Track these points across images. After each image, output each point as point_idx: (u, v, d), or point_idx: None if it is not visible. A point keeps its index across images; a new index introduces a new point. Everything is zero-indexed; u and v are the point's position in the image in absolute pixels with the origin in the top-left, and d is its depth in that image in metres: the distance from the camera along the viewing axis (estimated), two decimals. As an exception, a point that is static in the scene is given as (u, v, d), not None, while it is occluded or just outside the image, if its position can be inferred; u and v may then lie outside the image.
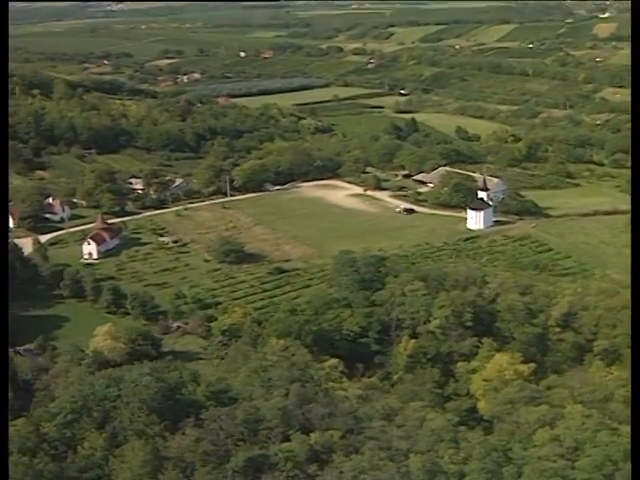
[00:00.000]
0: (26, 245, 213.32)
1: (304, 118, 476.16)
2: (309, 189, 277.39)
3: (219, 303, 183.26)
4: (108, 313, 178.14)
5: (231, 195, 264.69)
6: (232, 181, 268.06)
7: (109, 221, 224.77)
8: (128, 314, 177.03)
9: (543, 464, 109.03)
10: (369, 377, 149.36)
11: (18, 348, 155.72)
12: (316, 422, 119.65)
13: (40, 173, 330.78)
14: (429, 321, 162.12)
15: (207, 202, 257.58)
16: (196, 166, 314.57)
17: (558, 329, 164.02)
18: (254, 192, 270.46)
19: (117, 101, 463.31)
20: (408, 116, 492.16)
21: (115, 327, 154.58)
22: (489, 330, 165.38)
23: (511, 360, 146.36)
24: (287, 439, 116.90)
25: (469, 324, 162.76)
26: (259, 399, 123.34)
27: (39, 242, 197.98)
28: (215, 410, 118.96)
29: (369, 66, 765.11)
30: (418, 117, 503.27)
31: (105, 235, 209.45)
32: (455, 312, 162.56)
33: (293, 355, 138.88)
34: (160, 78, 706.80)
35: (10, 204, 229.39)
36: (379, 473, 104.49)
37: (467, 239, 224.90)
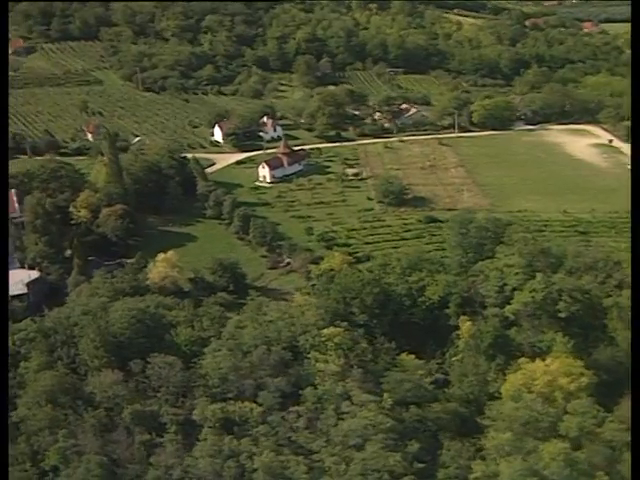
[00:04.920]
0: (221, 161, 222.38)
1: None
2: (555, 133, 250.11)
3: (348, 245, 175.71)
4: (238, 239, 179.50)
5: (466, 131, 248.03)
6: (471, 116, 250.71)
7: (305, 147, 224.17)
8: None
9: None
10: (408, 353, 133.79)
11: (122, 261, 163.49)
12: (250, 391, 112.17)
13: (331, 88, 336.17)
14: (509, 303, 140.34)
15: (432, 136, 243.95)
16: (496, 94, 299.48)
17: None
18: (495, 130, 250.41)
19: (453, 19, 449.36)
20: None
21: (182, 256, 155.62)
22: (592, 327, 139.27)
23: (561, 367, 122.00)
24: (222, 400, 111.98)
25: (562, 315, 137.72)
26: (217, 355, 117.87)
27: (196, 160, 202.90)
28: (159, 356, 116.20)
29: None
30: None
31: (283, 160, 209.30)
32: (547, 299, 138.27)
33: (303, 313, 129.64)
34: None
35: (223, 120, 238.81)
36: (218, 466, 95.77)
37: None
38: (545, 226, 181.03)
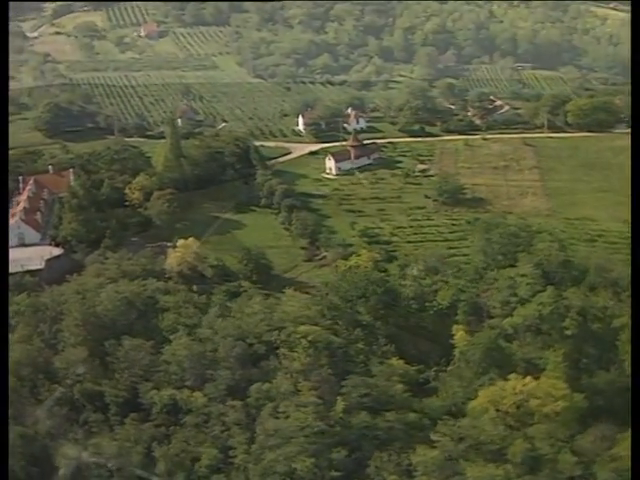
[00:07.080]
0: (297, 151, 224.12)
1: None
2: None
3: (389, 242, 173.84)
4: (284, 229, 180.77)
5: (560, 131, 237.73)
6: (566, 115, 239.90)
7: (383, 140, 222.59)
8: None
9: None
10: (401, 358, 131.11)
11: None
12: (199, 381, 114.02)
13: (448, 81, 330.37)
14: (512, 316, 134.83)
15: (518, 135, 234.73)
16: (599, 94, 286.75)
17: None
18: (591, 132, 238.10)
19: (600, 14, 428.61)
20: None
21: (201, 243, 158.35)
22: (605, 347, 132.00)
23: (542, 388, 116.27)
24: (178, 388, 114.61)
25: (569, 333, 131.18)
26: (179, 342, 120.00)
27: (256, 148, 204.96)
28: (130, 339, 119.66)
29: None
30: None
31: (351, 153, 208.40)
32: (554, 314, 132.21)
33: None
34: None
35: (307, 110, 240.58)
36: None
37: None
38: (599, 236, 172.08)
